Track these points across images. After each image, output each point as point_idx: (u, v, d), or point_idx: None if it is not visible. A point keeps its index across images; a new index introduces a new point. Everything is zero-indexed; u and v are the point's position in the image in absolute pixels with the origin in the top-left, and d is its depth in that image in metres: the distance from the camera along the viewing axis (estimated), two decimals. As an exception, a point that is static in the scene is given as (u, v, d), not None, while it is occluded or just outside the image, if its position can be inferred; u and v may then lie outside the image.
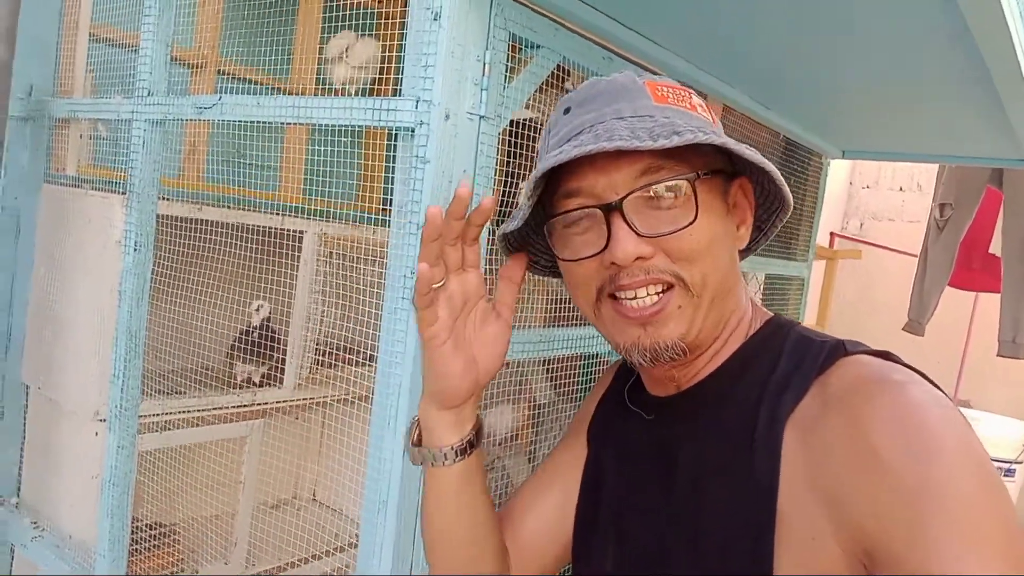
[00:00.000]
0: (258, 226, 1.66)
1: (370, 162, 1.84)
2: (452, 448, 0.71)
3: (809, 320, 3.39)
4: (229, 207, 1.61)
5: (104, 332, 1.40)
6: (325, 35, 1.95)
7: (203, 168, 1.73)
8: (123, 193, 1.35)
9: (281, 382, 1.83)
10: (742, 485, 0.61)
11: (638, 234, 0.63)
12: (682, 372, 0.70)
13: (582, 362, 1.49)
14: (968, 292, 3.95)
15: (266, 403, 1.80)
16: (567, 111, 0.69)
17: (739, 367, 0.68)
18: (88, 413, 1.44)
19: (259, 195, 1.79)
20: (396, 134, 0.96)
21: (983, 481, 0.50)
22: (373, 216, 1.90)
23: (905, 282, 3.45)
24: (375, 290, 1.59)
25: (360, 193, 2.02)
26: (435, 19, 0.91)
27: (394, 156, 0.96)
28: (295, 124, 1.14)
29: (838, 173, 5.14)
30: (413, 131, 0.92)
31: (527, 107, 1.88)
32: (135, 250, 1.26)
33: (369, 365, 1.91)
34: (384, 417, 0.95)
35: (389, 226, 0.98)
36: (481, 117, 0.96)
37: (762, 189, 0.72)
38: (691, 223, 0.63)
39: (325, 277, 1.84)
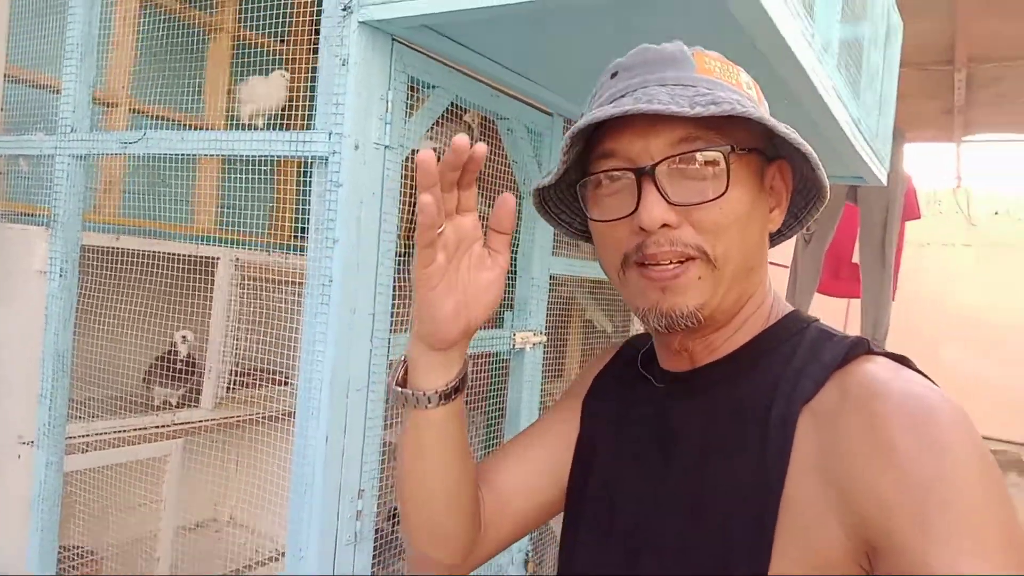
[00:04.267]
0: (174, 254, 1.75)
1: (281, 194, 1.97)
2: (436, 392, 0.68)
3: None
4: (146, 237, 1.70)
5: (27, 358, 1.46)
6: (235, 72, 2.06)
7: (119, 203, 1.81)
8: (43, 225, 1.43)
9: (198, 403, 1.91)
10: (751, 465, 0.61)
11: (668, 201, 0.63)
12: (698, 345, 0.70)
13: (490, 363, 1.64)
14: (839, 299, 4.34)
15: (185, 423, 1.87)
16: (614, 75, 0.69)
17: (757, 351, 0.68)
18: (11, 437, 1.49)
19: (175, 228, 1.88)
20: (310, 164, 1.10)
21: (990, 483, 0.52)
22: (285, 244, 2.01)
23: (778, 290, 3.78)
24: (288, 314, 1.71)
25: (272, 223, 2.13)
26: (343, 64, 1.07)
27: (304, 187, 1.10)
28: (216, 157, 1.26)
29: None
30: (327, 159, 1.07)
31: (430, 139, 2.06)
32: (60, 275, 1.35)
33: (284, 385, 2.02)
34: (306, 416, 1.08)
35: (301, 252, 1.11)
36: (386, 147, 1.12)
37: (801, 175, 0.71)
38: (720, 195, 0.63)
39: (240, 302, 1.93)
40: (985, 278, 5.25)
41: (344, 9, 1.06)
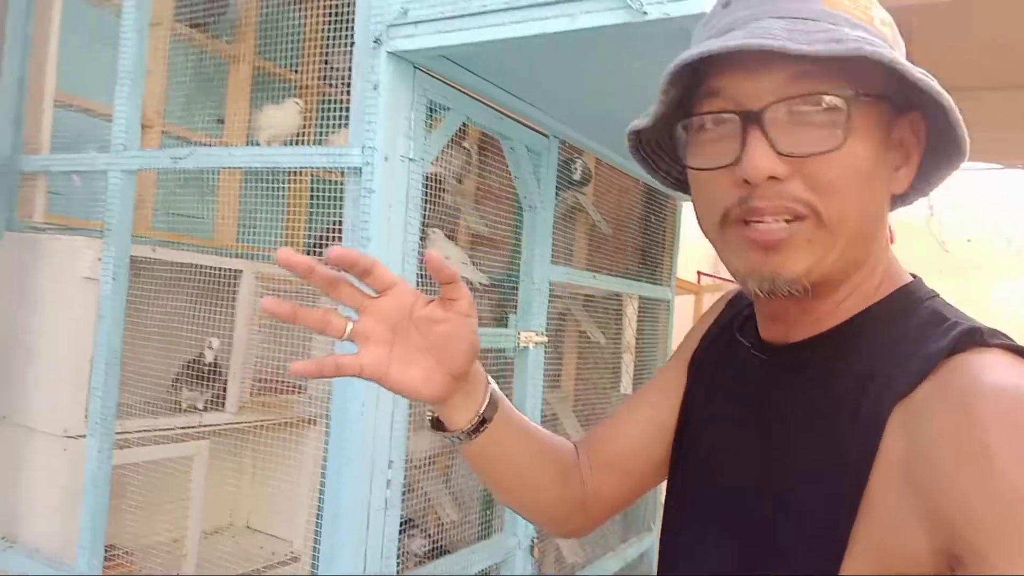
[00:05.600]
0: (203, 266, 1.90)
1: (293, 212, 2.13)
2: (464, 431, 0.71)
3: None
4: (176, 249, 1.86)
5: (73, 357, 1.61)
6: (254, 99, 2.23)
7: (151, 219, 1.97)
8: (92, 237, 1.59)
9: (223, 407, 2.05)
10: (836, 455, 0.57)
11: (777, 151, 0.55)
12: (799, 312, 0.64)
13: (495, 365, 1.79)
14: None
15: (210, 425, 2.01)
16: (726, 5, 0.61)
17: (860, 330, 0.62)
18: (57, 431, 1.63)
19: (198, 241, 2.04)
20: (332, 183, 1.26)
21: None
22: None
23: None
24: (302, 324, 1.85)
25: (286, 237, 2.29)
26: (374, 88, 1.24)
27: (312, 207, 1.26)
28: (235, 176, 1.42)
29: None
30: (361, 169, 1.23)
31: (433, 163, 2.23)
32: (114, 280, 1.50)
33: (300, 393, 2.16)
34: (343, 390, 1.23)
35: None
36: (410, 159, 1.28)
37: (937, 131, 0.60)
38: (838, 147, 0.55)
39: (261, 312, 2.08)
40: (957, 303, 5.45)
41: (375, 41, 1.23)
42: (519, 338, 1.65)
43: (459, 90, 1.41)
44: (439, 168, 2.25)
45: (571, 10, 1.08)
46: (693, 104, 0.62)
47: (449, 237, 2.16)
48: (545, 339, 1.73)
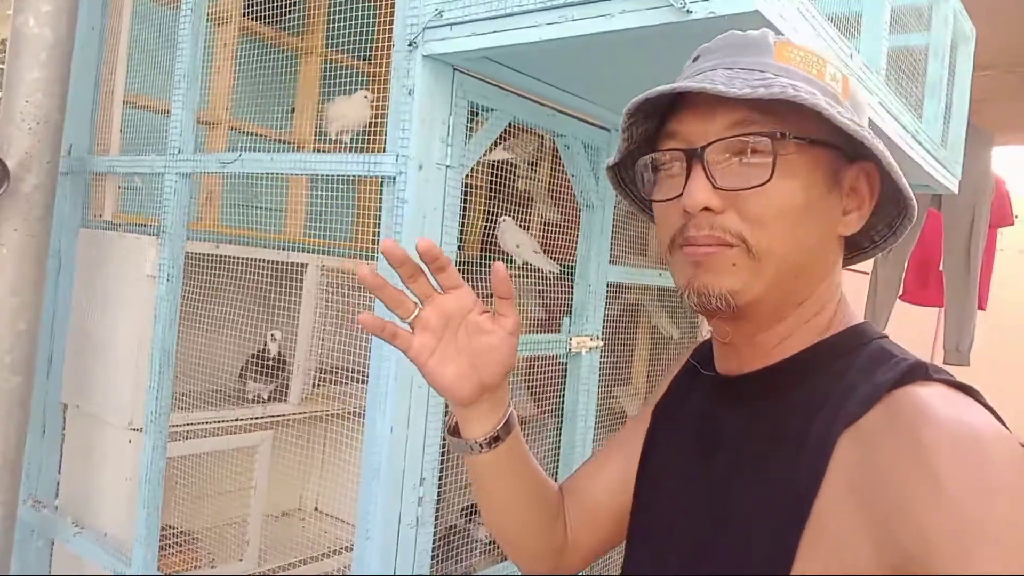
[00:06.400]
0: (267, 260, 1.92)
1: (362, 205, 2.12)
2: (477, 442, 0.75)
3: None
4: (242, 245, 1.88)
5: (138, 352, 1.65)
6: (323, 91, 2.23)
7: (218, 214, 2.00)
8: (154, 235, 1.62)
9: (287, 398, 2.08)
10: (782, 481, 0.60)
11: (714, 185, 0.62)
12: (745, 343, 0.69)
13: (556, 370, 1.73)
14: (930, 308, 4.22)
15: (275, 416, 2.05)
16: (695, 59, 0.69)
17: (809, 364, 0.65)
18: (123, 423, 1.69)
19: (267, 235, 2.06)
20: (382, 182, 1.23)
21: None
22: (367, 251, 2.16)
23: (857, 298, 3.72)
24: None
25: (355, 231, 2.29)
26: (409, 93, 1.19)
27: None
28: (301, 175, 1.40)
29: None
30: (395, 179, 1.19)
31: (504, 149, 2.17)
32: (168, 280, 1.52)
33: (363, 383, 2.17)
34: (375, 409, 1.20)
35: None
36: (447, 167, 1.23)
37: (892, 182, 0.65)
38: (763, 183, 0.60)
39: (325, 305, 2.09)
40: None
41: (410, 44, 1.18)
42: (571, 344, 1.58)
43: (505, 89, 1.34)
44: (510, 155, 2.20)
45: (608, 9, 1.00)
46: (658, 144, 0.68)
47: (522, 226, 2.11)
48: (600, 343, 1.66)
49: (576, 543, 0.85)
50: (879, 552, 0.53)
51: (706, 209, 0.62)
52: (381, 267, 1.10)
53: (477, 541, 2.08)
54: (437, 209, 1.22)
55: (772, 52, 0.64)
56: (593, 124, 1.58)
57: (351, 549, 2.24)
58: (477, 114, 1.31)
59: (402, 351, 0.72)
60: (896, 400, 0.57)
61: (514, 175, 2.24)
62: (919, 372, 0.58)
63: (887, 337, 0.67)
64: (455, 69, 1.23)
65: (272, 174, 2.02)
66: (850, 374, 0.62)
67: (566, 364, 1.61)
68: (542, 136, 2.15)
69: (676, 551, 0.69)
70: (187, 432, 1.81)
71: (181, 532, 1.89)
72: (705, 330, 2.56)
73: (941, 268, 3.74)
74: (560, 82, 1.39)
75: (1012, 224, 3.96)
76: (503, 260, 1.89)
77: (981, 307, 3.55)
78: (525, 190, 2.29)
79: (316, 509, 2.55)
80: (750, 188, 0.61)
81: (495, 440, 0.75)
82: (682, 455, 0.74)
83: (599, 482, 0.85)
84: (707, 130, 0.63)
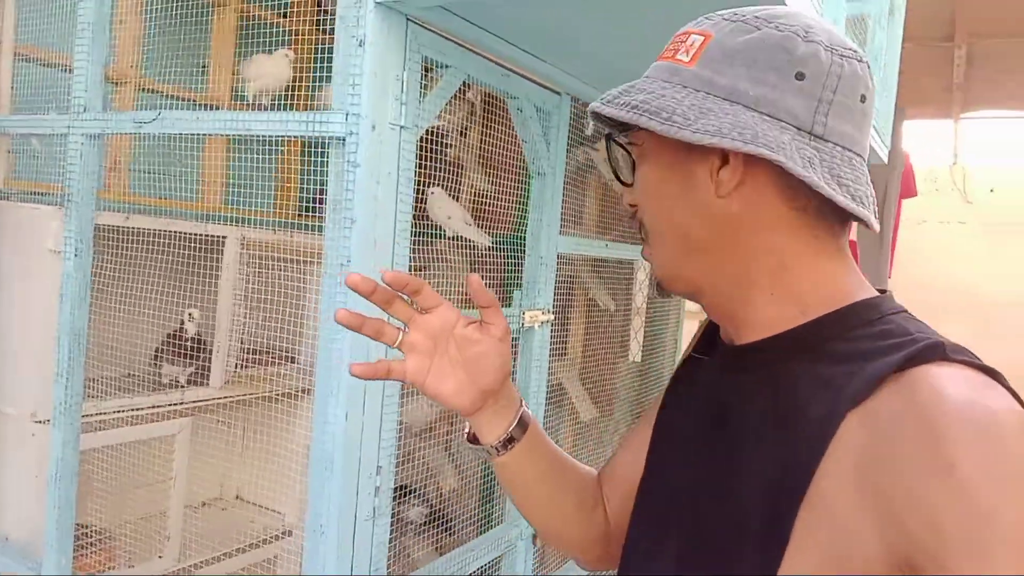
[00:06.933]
0: (183, 233, 1.75)
1: (286, 171, 1.97)
2: (493, 446, 0.77)
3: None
4: (155, 216, 1.71)
5: (40, 337, 1.47)
6: (240, 48, 2.05)
7: (127, 181, 1.81)
8: (56, 205, 1.44)
9: (207, 382, 1.92)
10: (779, 458, 0.59)
11: (623, 183, 0.71)
12: (723, 319, 0.70)
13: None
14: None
15: (194, 401, 1.89)
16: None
17: (819, 336, 0.63)
18: (26, 415, 1.51)
19: (182, 205, 1.88)
20: (325, 144, 1.11)
21: None
22: (290, 221, 2.01)
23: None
24: (295, 292, 1.72)
25: (277, 200, 2.14)
26: (360, 44, 1.07)
27: (308, 165, 1.11)
28: (233, 136, 1.27)
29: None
30: (344, 140, 1.07)
31: (436, 117, 2.06)
32: (76, 255, 1.35)
33: (292, 363, 2.04)
34: (326, 395, 1.10)
35: (307, 229, 1.12)
36: (402, 127, 1.12)
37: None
38: (630, 184, 0.70)
39: (246, 280, 1.94)
40: (981, 255, 5.28)
41: (361, -11, 1.06)
42: (524, 318, 1.51)
43: (459, 44, 1.24)
44: (440, 122, 2.08)
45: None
46: None
47: (452, 197, 2.02)
48: (551, 317, 1.60)
49: (620, 527, 0.82)
50: (883, 538, 0.52)
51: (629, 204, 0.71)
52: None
53: (409, 523, 2.01)
54: (392, 174, 1.12)
55: (662, 50, 0.68)
56: (546, 87, 1.49)
57: (279, 538, 2.13)
58: (430, 70, 1.21)
59: (400, 380, 0.74)
60: (911, 380, 0.54)
61: (444, 143, 2.14)
62: (937, 351, 0.55)
63: (905, 311, 0.64)
64: (408, 19, 1.12)
65: (187, 137, 1.85)
66: (859, 351, 0.59)
67: (518, 339, 1.54)
68: (472, 102, 2.06)
69: (678, 523, 0.68)
70: (99, 423, 1.64)
71: (96, 531, 1.72)
72: (639, 300, 2.54)
73: (854, 238, 3.88)
74: (516, 38, 1.30)
75: (915, 195, 4.14)
76: (434, 232, 1.80)
77: (888, 276, 3.70)
78: (455, 158, 2.19)
79: (238, 497, 2.41)
80: (627, 185, 0.71)
81: (510, 441, 0.77)
82: (692, 424, 0.73)
83: (631, 463, 0.82)
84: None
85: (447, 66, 1.22)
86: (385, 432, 1.15)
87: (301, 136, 1.12)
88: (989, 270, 5.15)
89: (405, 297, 0.72)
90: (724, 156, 0.62)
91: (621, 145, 0.69)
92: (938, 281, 5.33)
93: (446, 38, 1.20)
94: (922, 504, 0.50)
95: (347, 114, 1.07)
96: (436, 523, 2.07)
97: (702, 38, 0.64)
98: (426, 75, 1.20)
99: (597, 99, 0.65)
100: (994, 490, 0.48)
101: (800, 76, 0.60)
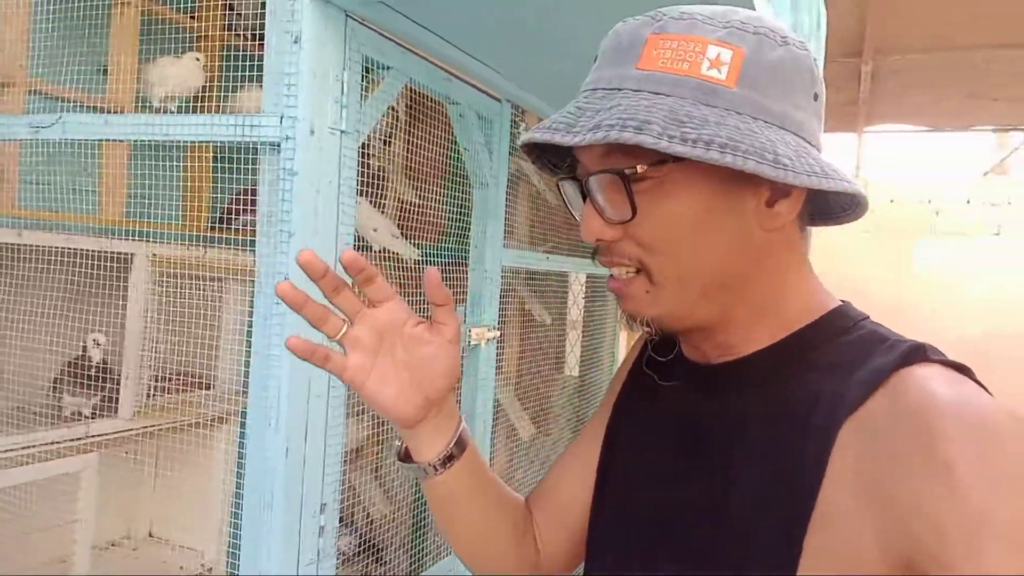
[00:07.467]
0: (84, 249, 1.59)
1: (194, 180, 1.82)
2: (431, 464, 0.71)
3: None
4: (52, 232, 1.54)
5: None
6: (143, 50, 1.89)
7: (16, 194, 1.63)
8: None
9: (115, 413, 1.75)
10: (784, 474, 0.58)
11: (602, 216, 0.60)
12: (704, 342, 0.66)
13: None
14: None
15: (101, 435, 1.71)
16: (595, 60, 0.64)
17: (797, 349, 0.62)
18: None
19: (79, 218, 1.71)
20: (248, 149, 1.00)
21: None
22: (200, 235, 1.87)
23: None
24: (209, 312, 1.59)
25: (185, 213, 1.98)
26: (295, 41, 0.97)
27: (219, 173, 1.00)
28: (135, 141, 1.14)
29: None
30: (279, 145, 0.97)
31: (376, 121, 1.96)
32: (-40, 278, 1.19)
33: (208, 389, 1.88)
34: (262, 427, 0.99)
35: (219, 244, 1.02)
36: (342, 132, 1.03)
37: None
38: (630, 219, 0.58)
39: (157, 301, 1.78)
40: (881, 261, 5.55)
41: (295, -20, 0.96)
42: (470, 335, 1.43)
43: (400, 44, 1.15)
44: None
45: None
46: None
47: (377, 208, 1.92)
48: (498, 334, 1.52)
49: (551, 556, 0.80)
50: (884, 539, 0.52)
51: (600, 240, 0.61)
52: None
53: (339, 555, 1.89)
54: (332, 183, 1.02)
55: (638, 57, 0.58)
56: (488, 94, 1.42)
57: (209, 571, 1.97)
58: (370, 71, 1.12)
59: (336, 375, 0.66)
60: (900, 384, 0.55)
61: (366, 152, 2.04)
62: (919, 354, 0.57)
63: (868, 317, 0.64)
64: (347, 15, 1.03)
65: (84, 143, 1.68)
66: (844, 359, 0.59)
67: (465, 357, 1.46)
68: (396, 109, 1.97)
69: (667, 548, 0.65)
70: (-10, 464, 1.46)
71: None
72: (575, 313, 2.49)
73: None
74: (458, 38, 1.22)
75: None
76: (358, 246, 1.70)
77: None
78: (379, 168, 2.09)
79: (150, 535, 2.22)
80: (625, 222, 0.59)
81: (449, 459, 0.71)
82: (668, 445, 0.69)
83: (565, 490, 0.80)
84: (586, 161, 0.61)
85: (388, 68, 1.13)
86: (329, 466, 1.04)
87: (230, 141, 1.01)
88: (886, 273, 5.42)
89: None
90: (776, 187, 0.59)
91: (625, 178, 0.57)
92: (841, 285, 5.57)
93: (387, 37, 1.11)
94: (924, 505, 0.50)
95: (282, 117, 0.97)
96: (366, 553, 1.96)
97: (731, 51, 0.57)
98: (367, 77, 1.11)
99: (614, 129, 0.54)
100: (990, 489, 0.49)
101: (816, 97, 0.59)
